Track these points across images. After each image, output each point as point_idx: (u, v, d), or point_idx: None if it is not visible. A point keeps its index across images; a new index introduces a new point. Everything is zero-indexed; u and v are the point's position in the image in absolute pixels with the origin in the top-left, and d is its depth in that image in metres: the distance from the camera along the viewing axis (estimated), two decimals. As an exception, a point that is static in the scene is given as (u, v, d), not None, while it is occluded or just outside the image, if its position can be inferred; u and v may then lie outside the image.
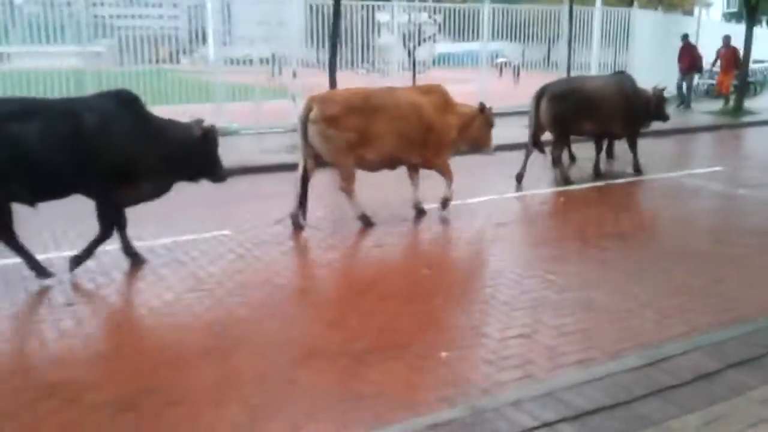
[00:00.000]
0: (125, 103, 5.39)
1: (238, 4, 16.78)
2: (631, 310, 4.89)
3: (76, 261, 5.42)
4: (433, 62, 21.22)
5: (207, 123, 5.83)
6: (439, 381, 3.88)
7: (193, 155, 5.62)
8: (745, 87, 17.94)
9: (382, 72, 17.38)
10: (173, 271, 5.63)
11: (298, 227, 6.83)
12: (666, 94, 10.16)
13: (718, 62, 18.72)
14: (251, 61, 15.84)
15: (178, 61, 15.49)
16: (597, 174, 9.58)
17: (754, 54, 30.85)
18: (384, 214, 7.33)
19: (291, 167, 9.73)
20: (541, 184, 9.21)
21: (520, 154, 9.35)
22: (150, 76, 14.03)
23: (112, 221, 5.43)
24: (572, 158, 10.47)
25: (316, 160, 6.92)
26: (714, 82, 20.16)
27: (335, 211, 7.52)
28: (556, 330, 4.54)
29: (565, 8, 18.38)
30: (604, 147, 10.16)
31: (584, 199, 8.58)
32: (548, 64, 20.38)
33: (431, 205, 7.48)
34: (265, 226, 6.93)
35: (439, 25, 20.40)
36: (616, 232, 6.97)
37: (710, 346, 4.10)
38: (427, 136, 7.03)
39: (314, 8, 15.64)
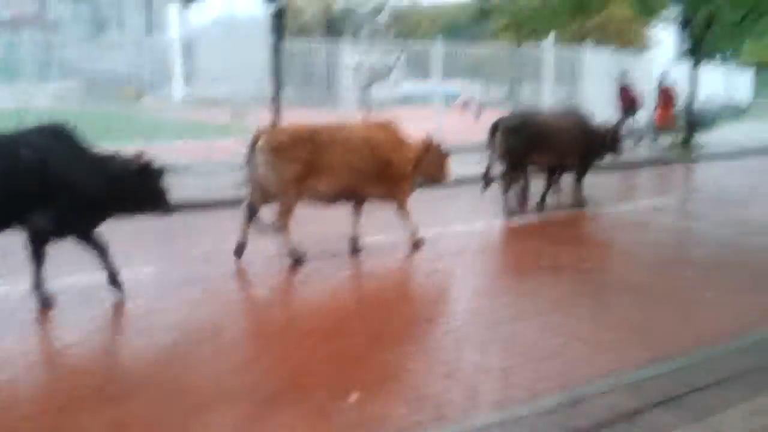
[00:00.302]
0: (60, 136, 5.28)
1: (203, 44, 16.58)
2: (561, 345, 4.70)
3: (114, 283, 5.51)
4: (398, 101, 21.33)
5: (147, 157, 5.68)
6: (347, 425, 3.63)
7: (131, 188, 5.50)
8: (692, 122, 18.15)
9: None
10: (84, 310, 5.30)
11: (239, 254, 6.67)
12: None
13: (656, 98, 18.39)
14: (215, 100, 15.90)
15: (141, 100, 15.25)
16: (542, 206, 9.50)
17: (708, 90, 31.94)
18: (316, 250, 7.08)
19: (234, 203, 9.65)
20: (486, 217, 9.06)
21: (468, 189, 9.32)
22: (112, 116, 13.65)
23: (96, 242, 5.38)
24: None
25: (263, 194, 6.75)
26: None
27: (270, 247, 7.22)
28: (479, 368, 4.33)
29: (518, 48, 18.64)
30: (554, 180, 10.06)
31: (527, 231, 8.46)
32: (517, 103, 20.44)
33: (378, 238, 7.38)
34: (193, 264, 6.63)
35: (401, 65, 20.63)
36: (554, 264, 6.81)
37: (633, 385, 3.93)
38: (384, 170, 6.98)
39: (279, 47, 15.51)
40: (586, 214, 9.42)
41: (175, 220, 6.36)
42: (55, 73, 13.35)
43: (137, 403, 3.88)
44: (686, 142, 17.53)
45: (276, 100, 11.82)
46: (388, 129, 7.33)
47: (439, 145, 7.52)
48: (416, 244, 7.31)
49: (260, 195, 6.74)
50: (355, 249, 7.20)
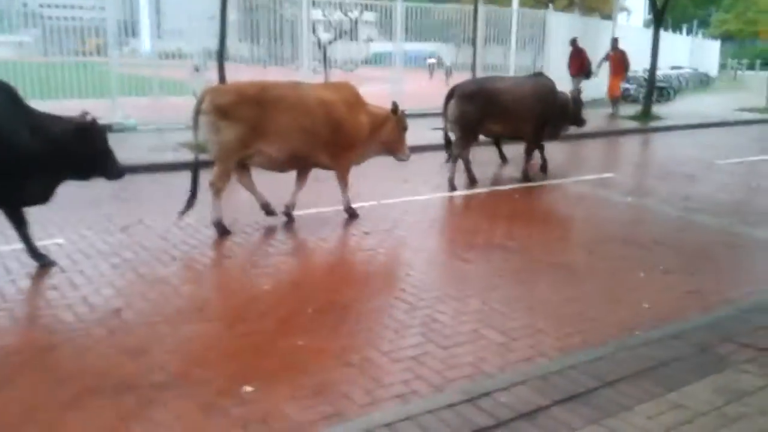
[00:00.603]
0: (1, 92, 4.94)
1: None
2: (473, 332, 4.47)
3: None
4: (367, 61, 20.88)
5: (90, 117, 5.35)
6: (233, 422, 3.37)
7: (73, 151, 5.18)
8: (651, 92, 17.99)
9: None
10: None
11: (224, 233, 6.46)
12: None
13: (606, 65, 18.14)
14: (181, 55, 15.57)
15: (105, 54, 14.47)
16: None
17: (673, 60, 31.86)
18: (248, 220, 6.80)
19: (175, 167, 9.30)
20: (432, 189, 8.80)
21: (424, 157, 9.22)
22: (75, 68, 13.46)
23: None
24: (503, 159, 10.66)
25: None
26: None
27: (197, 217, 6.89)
28: (386, 357, 4.09)
29: (482, 9, 18.20)
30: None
31: (467, 206, 8.25)
32: (502, 67, 20.13)
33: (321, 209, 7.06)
34: (106, 234, 6.28)
35: (371, 24, 20.23)
36: (483, 242, 6.59)
37: (540, 379, 3.71)
38: (336, 134, 6.67)
39: (248, 2, 15.44)
40: (531, 188, 9.19)
41: (102, 185, 6.01)
42: (18, 23, 13.09)
43: (12, 392, 3.61)
44: (645, 113, 17.36)
45: (221, 56, 11.35)
46: (345, 91, 6.99)
47: (401, 116, 7.23)
48: (351, 216, 7.12)
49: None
50: (288, 219, 6.97)
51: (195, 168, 6.40)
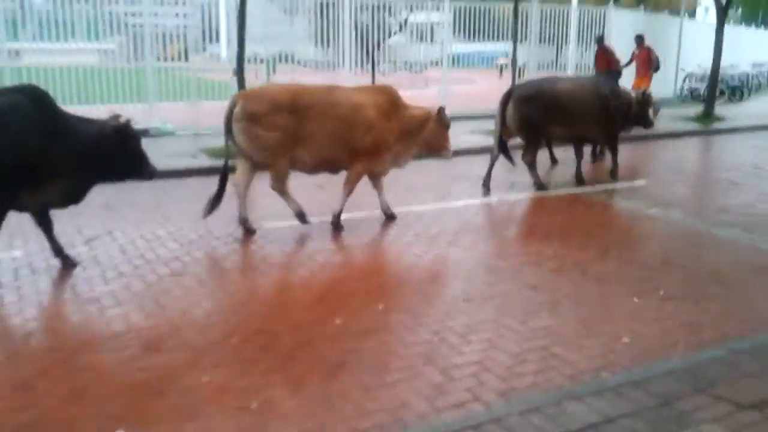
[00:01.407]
0: (30, 98, 4.99)
1: (251, 2, 16.53)
2: (411, 368, 3.92)
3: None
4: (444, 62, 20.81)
5: (123, 120, 5.36)
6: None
7: (106, 153, 5.23)
8: (714, 91, 16.72)
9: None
10: None
11: (250, 231, 6.51)
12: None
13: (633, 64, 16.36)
14: (257, 60, 15.75)
15: (187, 59, 15.13)
16: (579, 180, 9.08)
17: (756, 57, 29.85)
18: (219, 233, 6.40)
19: (184, 173, 9.13)
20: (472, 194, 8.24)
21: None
22: (157, 73, 13.76)
23: None
24: (553, 161, 10.39)
25: (251, 161, 6.52)
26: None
27: (171, 229, 6.55)
28: (293, 400, 3.59)
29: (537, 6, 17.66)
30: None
31: (495, 216, 7.61)
32: (557, 66, 19.79)
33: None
34: (69, 247, 5.99)
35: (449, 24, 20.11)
36: (460, 257, 5.99)
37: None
38: (363, 137, 6.51)
39: (324, 6, 15.41)
40: (548, 197, 8.47)
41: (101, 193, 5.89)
42: (105, 29, 13.56)
43: None
44: (707, 114, 16.14)
45: (240, 60, 11.05)
46: (381, 94, 6.83)
47: (441, 116, 6.97)
48: (335, 227, 6.76)
49: (248, 163, 6.54)
50: (389, 218, 7.11)
51: (224, 172, 6.43)
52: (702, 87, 20.71)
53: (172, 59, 14.81)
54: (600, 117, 8.70)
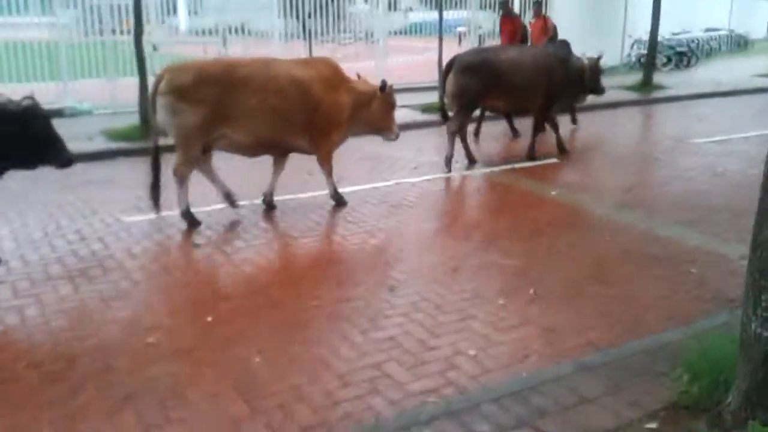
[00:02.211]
0: None
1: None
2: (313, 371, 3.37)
3: None
4: (405, 31, 20.21)
5: (29, 100, 4.86)
6: None
7: (10, 136, 4.73)
8: (653, 59, 16.25)
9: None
10: None
11: (193, 224, 6.01)
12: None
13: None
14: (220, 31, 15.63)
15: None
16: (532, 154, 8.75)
17: (709, 22, 29.48)
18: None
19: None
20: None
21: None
22: (108, 47, 13.38)
23: None
24: (514, 133, 10.20)
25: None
26: None
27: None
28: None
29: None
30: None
31: (422, 195, 7.06)
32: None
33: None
34: None
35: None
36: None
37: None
38: (314, 116, 6.04)
39: None
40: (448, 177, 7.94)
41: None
42: (59, 3, 12.93)
43: None
44: (645, 83, 15.68)
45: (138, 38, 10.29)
46: (324, 67, 6.36)
47: (389, 92, 6.54)
48: (338, 203, 6.59)
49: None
50: (269, 207, 6.59)
51: (155, 154, 5.99)
52: (640, 54, 20.31)
53: (129, 32, 13.72)
54: (543, 89, 8.34)
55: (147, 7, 13.51)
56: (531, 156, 8.65)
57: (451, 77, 8.12)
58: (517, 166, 8.45)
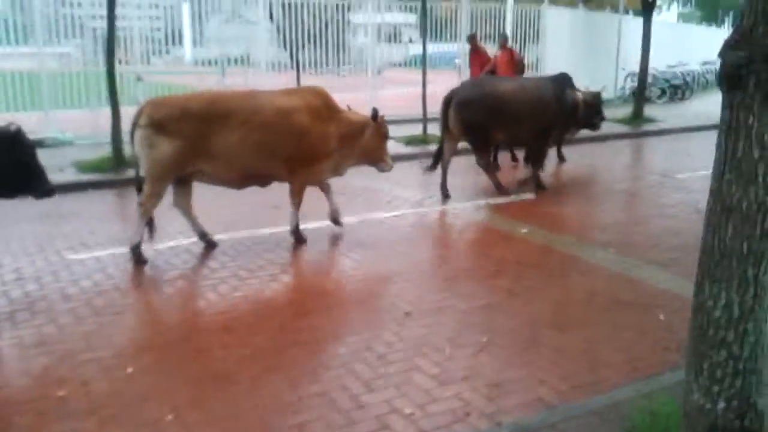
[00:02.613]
0: None
1: (211, 4, 15.90)
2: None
3: None
4: (406, 63, 20.09)
5: (14, 126, 4.79)
6: None
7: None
8: (643, 91, 16.06)
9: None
10: None
11: (140, 261, 5.77)
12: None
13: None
14: (224, 62, 15.76)
15: (149, 62, 14.89)
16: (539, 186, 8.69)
17: (707, 55, 29.40)
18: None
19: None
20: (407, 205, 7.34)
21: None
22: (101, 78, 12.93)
23: None
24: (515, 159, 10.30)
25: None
26: None
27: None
28: None
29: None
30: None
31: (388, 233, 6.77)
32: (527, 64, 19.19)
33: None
34: None
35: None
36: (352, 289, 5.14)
37: None
38: (299, 145, 5.88)
39: (286, 6, 14.99)
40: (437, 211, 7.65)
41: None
42: (67, 32, 13.07)
43: None
44: (636, 115, 15.47)
45: (111, 67, 10.08)
46: (314, 96, 6.28)
47: (381, 123, 6.37)
48: (297, 240, 6.30)
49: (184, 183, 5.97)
50: (336, 223, 6.75)
51: (138, 185, 5.89)
52: (650, 85, 20.15)
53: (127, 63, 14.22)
54: (542, 121, 8.25)
55: (131, 38, 13.53)
56: (540, 186, 8.64)
57: (451, 113, 8.00)
58: (491, 201, 8.16)
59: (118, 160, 10.16)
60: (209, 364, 4.05)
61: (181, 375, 3.92)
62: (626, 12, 21.71)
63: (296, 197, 6.26)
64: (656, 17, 33.85)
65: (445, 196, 8.22)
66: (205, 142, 5.67)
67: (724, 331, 2.38)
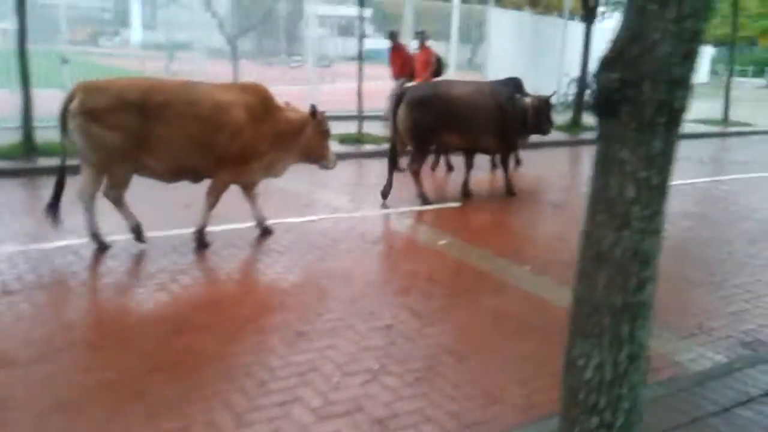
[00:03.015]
0: None
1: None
2: None
3: None
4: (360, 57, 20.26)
5: None
6: None
7: None
8: (581, 99, 16.02)
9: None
10: None
11: (102, 246, 5.74)
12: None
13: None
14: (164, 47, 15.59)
15: (97, 44, 14.83)
16: (465, 194, 8.52)
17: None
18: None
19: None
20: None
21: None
22: (46, 57, 12.43)
23: None
24: (449, 168, 10.11)
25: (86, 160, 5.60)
26: None
27: None
28: None
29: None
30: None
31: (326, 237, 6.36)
32: (471, 65, 19.81)
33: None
34: None
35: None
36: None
37: None
38: (229, 142, 5.77)
39: None
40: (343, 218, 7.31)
41: None
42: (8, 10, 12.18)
43: None
44: (575, 123, 15.42)
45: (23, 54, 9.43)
46: (251, 93, 6.04)
47: (320, 119, 6.33)
48: (200, 244, 6.02)
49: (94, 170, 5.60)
50: (264, 232, 6.47)
51: (60, 173, 5.68)
52: (587, 93, 20.19)
53: (80, 43, 14.27)
54: (496, 126, 8.10)
55: (100, 19, 13.12)
56: (511, 192, 8.69)
57: (401, 112, 7.78)
58: (415, 209, 7.88)
59: (28, 146, 9.56)
60: (60, 391, 3.62)
61: (24, 406, 3.48)
62: (572, 18, 21.77)
63: (214, 195, 6.00)
64: (602, 23, 34.29)
65: (425, 201, 8.11)
66: (143, 133, 5.45)
67: (596, 396, 2.10)
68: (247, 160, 5.96)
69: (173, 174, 5.83)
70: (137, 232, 5.87)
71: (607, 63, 2.00)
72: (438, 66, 12.81)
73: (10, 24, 13.00)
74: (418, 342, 4.42)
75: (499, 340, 4.57)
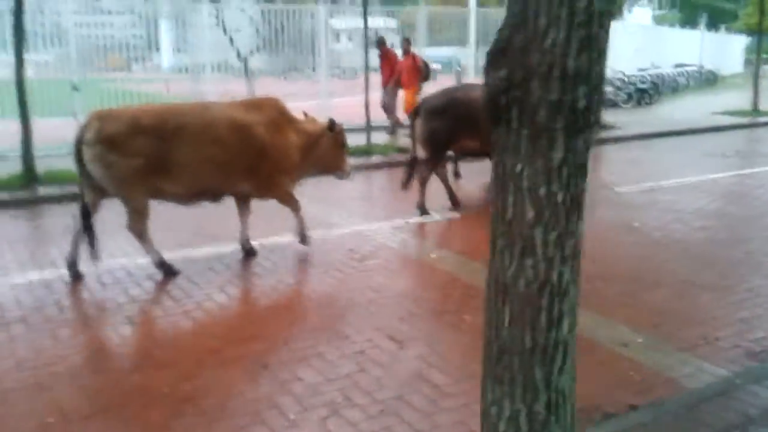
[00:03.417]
0: None
1: (191, 11, 15.52)
2: None
3: None
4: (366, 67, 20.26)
5: None
6: None
7: None
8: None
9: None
10: None
11: (76, 276, 5.58)
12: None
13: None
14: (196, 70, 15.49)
15: (129, 70, 15.10)
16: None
17: (680, 58, 28.94)
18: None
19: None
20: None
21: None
22: (85, 85, 12.82)
23: None
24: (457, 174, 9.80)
25: (100, 191, 5.55)
26: None
27: None
28: None
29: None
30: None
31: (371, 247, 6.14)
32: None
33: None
34: None
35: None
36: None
37: None
38: (258, 160, 5.81)
39: (266, 13, 14.92)
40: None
41: None
42: (47, 40, 12.90)
43: None
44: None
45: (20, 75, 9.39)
46: (269, 108, 6.06)
47: (338, 132, 6.40)
48: (302, 238, 6.36)
49: (96, 193, 5.55)
50: (248, 254, 6.26)
51: (83, 204, 5.53)
52: (607, 91, 19.71)
53: (114, 70, 14.32)
54: None
55: (131, 45, 13.30)
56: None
57: (418, 124, 7.75)
58: (412, 221, 7.60)
59: (28, 176, 9.51)
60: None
61: None
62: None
63: (291, 205, 6.23)
64: (629, 19, 33.57)
65: (455, 204, 8.12)
66: (160, 158, 5.40)
67: (513, 452, 1.79)
68: (286, 171, 6.07)
69: (193, 196, 5.78)
70: (165, 267, 5.68)
71: (492, 59, 1.71)
72: (426, 72, 12.54)
73: (47, 56, 13.32)
74: (389, 371, 4.13)
75: (478, 368, 4.23)
